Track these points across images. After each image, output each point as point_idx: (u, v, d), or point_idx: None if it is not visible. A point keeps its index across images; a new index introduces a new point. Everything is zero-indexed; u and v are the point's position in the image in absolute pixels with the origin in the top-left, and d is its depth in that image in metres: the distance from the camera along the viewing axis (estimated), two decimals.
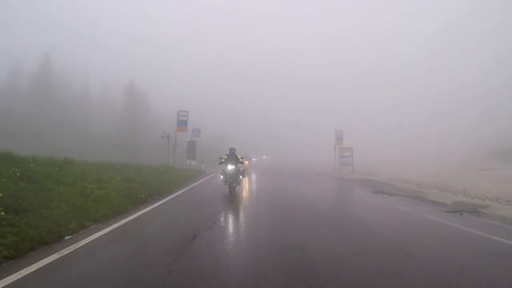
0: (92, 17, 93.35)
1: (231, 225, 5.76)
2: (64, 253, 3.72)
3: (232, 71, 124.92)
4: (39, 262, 3.39)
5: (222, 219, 6.17)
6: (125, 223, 5.42)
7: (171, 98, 57.67)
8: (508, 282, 3.24)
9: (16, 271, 3.10)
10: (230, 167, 9.90)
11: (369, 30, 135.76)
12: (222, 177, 10.12)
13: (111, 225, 5.15)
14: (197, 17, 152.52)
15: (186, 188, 11.33)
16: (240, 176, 10.37)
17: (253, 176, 19.23)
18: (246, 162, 22.13)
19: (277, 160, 67.95)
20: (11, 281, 2.92)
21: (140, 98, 45.27)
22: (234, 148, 10.68)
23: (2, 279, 2.93)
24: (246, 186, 12.71)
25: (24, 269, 3.17)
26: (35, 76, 42.33)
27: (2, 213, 4.16)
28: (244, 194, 10.41)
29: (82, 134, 32.03)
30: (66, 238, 4.32)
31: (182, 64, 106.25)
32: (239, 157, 10.51)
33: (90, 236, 4.44)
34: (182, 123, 20.13)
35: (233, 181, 9.75)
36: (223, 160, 10.34)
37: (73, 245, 4.01)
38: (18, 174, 5.61)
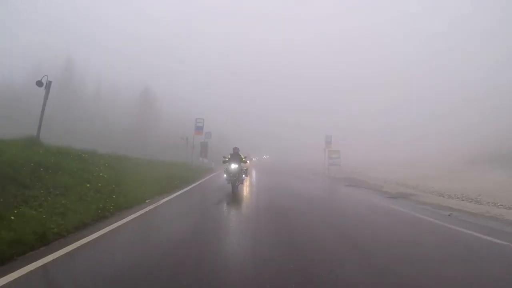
0: (91, 17, 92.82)
1: (241, 198, 8.95)
2: (154, 206, 6.87)
3: (232, 71, 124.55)
4: (144, 209, 6.48)
5: (234, 196, 9.33)
6: (175, 196, 8.61)
7: (171, 98, 58.35)
8: (408, 234, 5.58)
9: (132, 213, 6.21)
10: (234, 166, 10.04)
11: (369, 31, 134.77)
12: (225, 175, 10.23)
13: (168, 196, 8.32)
14: (197, 17, 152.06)
15: (204, 179, 14.61)
16: (243, 175, 10.65)
17: (254, 174, 22.38)
18: (248, 162, 24.85)
19: (277, 160, 70.49)
20: (136, 216, 6.02)
21: (152, 102, 48.33)
22: (238, 148, 10.83)
23: (129, 215, 6.04)
24: (247, 180, 15.84)
25: (137, 212, 6.28)
26: (57, 80, 45.59)
27: (113, 186, 7.35)
28: (247, 184, 13.48)
29: (83, 134, 32.83)
30: (147, 201, 7.48)
31: (182, 64, 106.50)
32: (242, 156, 10.67)
33: (160, 201, 7.59)
34: (199, 128, 23.61)
35: (236, 180, 9.94)
36: (227, 159, 10.46)
37: (154, 204, 7.15)
38: (106, 164, 8.80)
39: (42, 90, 7.77)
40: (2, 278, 2.88)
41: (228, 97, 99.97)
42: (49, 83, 7.45)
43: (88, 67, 53.14)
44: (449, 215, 7.27)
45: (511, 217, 6.92)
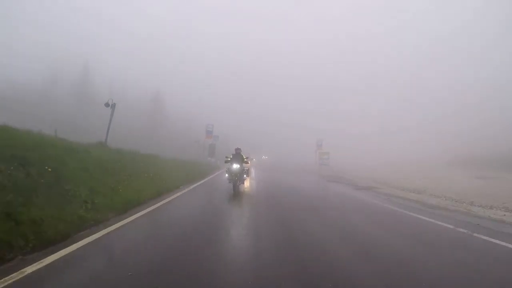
0: (90, 16, 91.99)
1: (247, 187, 12.02)
2: (187, 189, 9.96)
3: (232, 71, 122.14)
4: (182, 191, 9.53)
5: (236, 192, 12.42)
6: (197, 185, 11.68)
7: (171, 98, 58.01)
8: (351, 205, 9.10)
9: (176, 193, 9.27)
10: (235, 166, 10.21)
11: (373, 32, 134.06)
12: (227, 175, 10.36)
13: (192, 184, 11.39)
14: (197, 17, 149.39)
15: (214, 174, 17.70)
16: (244, 175, 10.91)
17: (253, 173, 25.43)
18: (249, 163, 27.64)
19: (276, 161, 72.44)
20: (178, 195, 9.09)
21: (161, 104, 51.07)
22: (240, 149, 10.94)
23: (175, 194, 9.11)
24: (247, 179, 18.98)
25: (178, 193, 9.34)
26: (76, 84, 48.76)
27: (159, 176, 10.45)
28: (248, 179, 16.56)
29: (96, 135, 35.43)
30: (181, 187, 10.56)
31: (182, 63, 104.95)
32: (244, 157, 10.81)
33: (189, 187, 10.66)
34: (209, 133, 27.04)
35: (237, 180, 10.19)
36: (229, 159, 10.65)
37: (186, 189, 10.21)
38: (149, 161, 11.90)
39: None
40: (129, 218, 5.81)
41: (227, 97, 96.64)
42: (113, 105, 10.53)
43: (87, 66, 53.32)
44: (387, 198, 10.37)
45: (431, 201, 10.01)
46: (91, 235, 4.37)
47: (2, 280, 2.72)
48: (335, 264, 3.43)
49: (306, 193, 10.96)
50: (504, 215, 7.50)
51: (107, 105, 10.60)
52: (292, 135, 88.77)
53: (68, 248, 3.72)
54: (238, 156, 10.59)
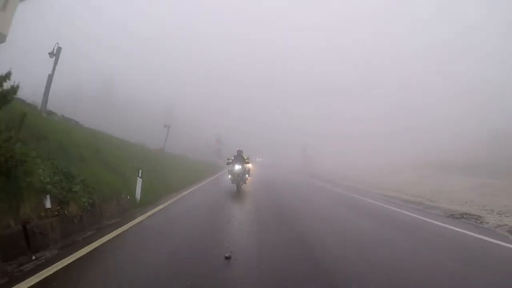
0: (91, 16, 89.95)
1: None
2: (212, 178, 16.02)
3: (231, 72, 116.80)
4: (209, 179, 15.59)
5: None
6: (218, 175, 17.71)
7: (171, 98, 56.43)
8: (312, 189, 15.17)
9: (205, 180, 15.32)
10: (238, 167, 10.41)
11: (376, 35, 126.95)
12: (229, 176, 10.58)
13: (214, 175, 17.41)
14: (197, 17, 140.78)
15: (223, 172, 23.76)
16: (246, 175, 11.19)
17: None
18: (250, 164, 32.70)
19: (270, 162, 72.58)
20: (207, 181, 15.13)
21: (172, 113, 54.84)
22: (241, 150, 11.17)
23: (205, 181, 15.10)
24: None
25: (207, 180, 15.39)
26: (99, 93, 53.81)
27: (194, 170, 16.49)
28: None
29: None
30: (207, 177, 16.53)
31: (182, 64, 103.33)
32: (245, 158, 11.00)
33: (213, 176, 16.69)
34: (218, 140, 33.40)
35: (240, 180, 10.45)
36: (231, 160, 10.87)
37: (211, 178, 16.25)
38: (184, 160, 17.93)
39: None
40: (195, 186, 11.83)
41: (225, 97, 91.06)
42: (169, 126, 16.54)
43: (86, 64, 53.43)
44: (335, 185, 16.34)
45: (360, 186, 15.98)
46: (186, 191, 10.34)
47: (172, 199, 8.58)
48: (290, 202, 9.55)
49: (286, 181, 16.94)
50: (388, 192, 13.47)
51: (165, 126, 16.59)
52: (290, 137, 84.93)
53: (182, 193, 9.65)
54: (239, 157, 10.98)
